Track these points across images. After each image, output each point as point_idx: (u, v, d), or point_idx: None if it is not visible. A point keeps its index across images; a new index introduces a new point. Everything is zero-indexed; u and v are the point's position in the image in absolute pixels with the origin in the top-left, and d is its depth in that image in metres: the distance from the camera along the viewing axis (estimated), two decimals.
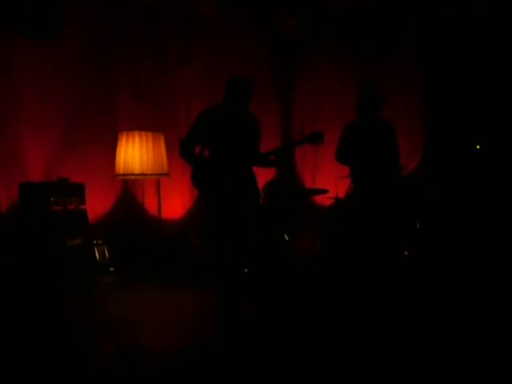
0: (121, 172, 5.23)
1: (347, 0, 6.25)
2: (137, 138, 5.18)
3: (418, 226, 5.81)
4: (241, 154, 4.47)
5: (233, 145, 4.46)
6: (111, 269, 5.32)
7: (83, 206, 5.17)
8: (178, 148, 4.49)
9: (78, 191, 5.15)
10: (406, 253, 5.53)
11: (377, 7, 6.48)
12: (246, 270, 4.80)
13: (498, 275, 4.84)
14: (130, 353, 3.08)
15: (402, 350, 3.14)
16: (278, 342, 3.32)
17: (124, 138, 5.21)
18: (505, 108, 6.64)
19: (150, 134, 5.24)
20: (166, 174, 5.38)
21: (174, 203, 6.11)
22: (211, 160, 4.49)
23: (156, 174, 5.30)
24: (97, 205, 5.55)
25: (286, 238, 5.58)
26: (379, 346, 3.22)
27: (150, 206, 5.81)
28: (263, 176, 5.07)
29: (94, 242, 5.24)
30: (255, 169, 4.64)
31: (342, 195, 5.78)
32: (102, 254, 5.29)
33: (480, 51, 6.77)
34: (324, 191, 6.12)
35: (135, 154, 5.16)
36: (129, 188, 5.85)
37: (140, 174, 5.20)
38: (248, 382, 2.81)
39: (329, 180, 6.51)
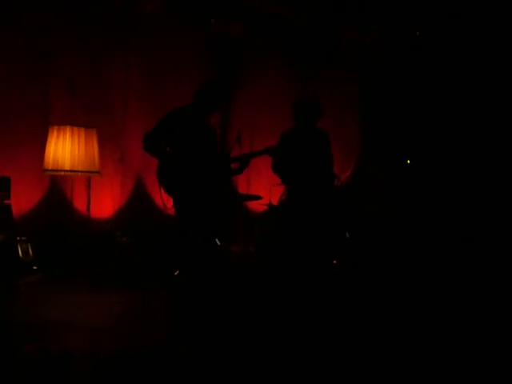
0: (50, 168, 5.06)
1: (289, 9, 6.29)
2: (68, 134, 5.02)
3: (347, 235, 5.91)
4: (206, 160, 4.74)
5: (197, 150, 4.70)
6: (35, 267, 5.12)
7: (8, 201, 4.97)
8: (142, 140, 4.67)
9: (2, 185, 4.97)
10: (335, 261, 5.62)
11: (319, 19, 6.57)
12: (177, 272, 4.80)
13: (429, 285, 5.00)
14: (53, 357, 2.96)
15: (324, 358, 3.16)
16: (211, 347, 3.29)
17: (55, 133, 5.04)
18: (439, 124, 6.90)
19: (82, 129, 5.08)
20: (97, 172, 5.24)
21: (104, 202, 5.96)
22: (178, 157, 4.64)
23: (86, 172, 5.15)
24: (23, 200, 5.38)
25: (218, 243, 5.55)
26: (305, 352, 3.24)
27: (79, 203, 5.64)
28: None
29: (18, 238, 5.05)
30: None
31: (275, 202, 5.81)
32: (25, 251, 5.09)
33: (417, 68, 7.02)
34: (258, 197, 6.13)
35: (66, 149, 5.01)
36: (58, 184, 5.68)
37: (70, 171, 5.05)
38: None
39: (263, 187, 6.52)
